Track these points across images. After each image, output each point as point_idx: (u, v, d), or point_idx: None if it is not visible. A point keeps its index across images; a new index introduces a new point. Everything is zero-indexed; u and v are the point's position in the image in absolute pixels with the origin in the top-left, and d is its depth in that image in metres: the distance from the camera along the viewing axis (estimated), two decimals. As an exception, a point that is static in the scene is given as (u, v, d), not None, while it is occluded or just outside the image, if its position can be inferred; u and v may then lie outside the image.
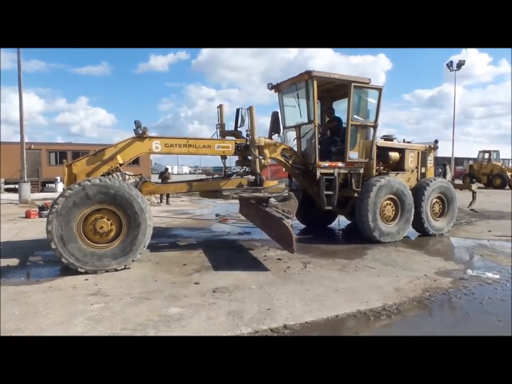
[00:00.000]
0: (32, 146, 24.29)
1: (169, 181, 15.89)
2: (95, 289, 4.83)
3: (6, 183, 23.84)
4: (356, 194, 8.16)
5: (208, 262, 6.30)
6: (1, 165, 22.24)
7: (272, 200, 7.13)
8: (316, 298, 4.47)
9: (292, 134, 8.76)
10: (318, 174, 7.80)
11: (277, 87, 8.66)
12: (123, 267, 5.69)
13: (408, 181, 8.92)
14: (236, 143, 7.40)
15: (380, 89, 8.19)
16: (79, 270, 5.41)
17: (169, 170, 20.25)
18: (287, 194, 7.15)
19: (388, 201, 8.00)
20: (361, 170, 8.32)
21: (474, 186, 10.74)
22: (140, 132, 6.40)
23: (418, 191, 8.56)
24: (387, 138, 9.33)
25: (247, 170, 7.75)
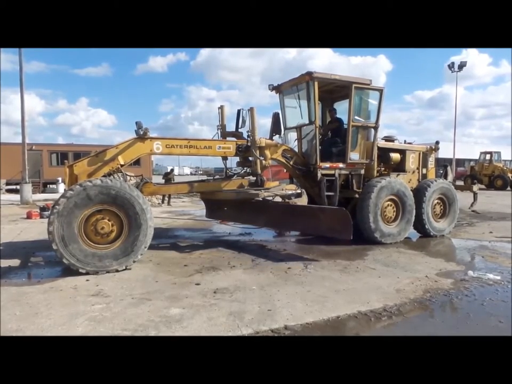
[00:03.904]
0: (34, 147, 24.34)
1: (172, 181, 15.90)
2: (96, 290, 4.84)
3: (7, 184, 23.89)
4: (356, 195, 8.15)
5: (209, 262, 6.30)
6: (3, 166, 22.28)
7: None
8: (316, 299, 4.47)
9: (292, 135, 8.76)
10: (319, 175, 7.80)
11: (277, 88, 8.66)
12: (124, 268, 5.69)
13: (409, 182, 8.91)
14: (236, 144, 7.42)
15: (380, 90, 8.18)
16: (80, 270, 5.41)
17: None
18: (300, 191, 7.71)
19: (389, 202, 7.99)
20: (362, 171, 8.32)
21: (475, 188, 10.71)
22: (141, 132, 6.41)
23: (419, 192, 8.55)
24: (388, 139, 9.32)
25: (248, 171, 7.77)
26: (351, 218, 6.37)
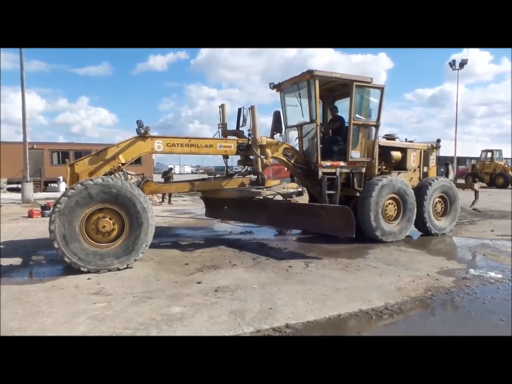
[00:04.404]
0: (35, 146, 24.34)
1: (171, 180, 15.91)
2: (97, 288, 4.85)
3: (8, 182, 23.92)
4: (357, 194, 8.15)
5: (210, 261, 6.30)
6: (4, 165, 22.31)
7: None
8: (317, 298, 4.47)
9: (293, 134, 8.76)
10: (320, 174, 7.80)
11: (278, 87, 8.66)
12: (125, 266, 5.70)
13: (410, 180, 8.90)
14: (237, 142, 7.41)
15: (381, 89, 8.17)
16: (82, 269, 5.42)
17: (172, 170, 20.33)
18: (301, 189, 7.86)
19: (390, 201, 7.98)
20: (363, 170, 8.31)
21: (476, 186, 10.71)
22: (142, 131, 6.41)
23: (420, 191, 8.55)
24: (389, 137, 9.32)
25: (249, 169, 7.77)
26: None
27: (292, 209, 7.76)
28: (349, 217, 6.42)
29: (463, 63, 37.34)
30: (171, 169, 19.11)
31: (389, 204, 7.97)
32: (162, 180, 15.81)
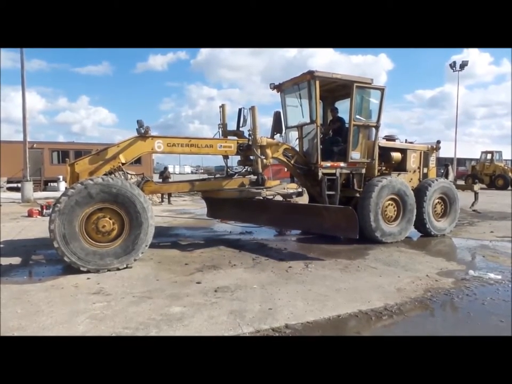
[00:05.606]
0: (35, 145, 24.34)
1: (169, 180, 15.92)
2: (97, 288, 4.85)
3: (8, 181, 23.92)
4: (357, 195, 8.16)
5: (209, 261, 6.30)
6: (4, 164, 22.32)
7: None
8: (317, 298, 4.47)
9: (294, 134, 8.77)
10: (320, 174, 7.80)
11: (279, 87, 8.66)
12: (125, 266, 5.70)
13: (410, 181, 8.91)
14: (238, 142, 7.42)
15: (382, 90, 8.18)
16: (81, 269, 5.42)
17: (171, 170, 20.40)
18: (301, 190, 7.90)
19: (389, 202, 7.98)
20: (363, 171, 8.32)
21: (476, 187, 10.72)
22: (143, 131, 6.41)
23: (420, 192, 8.55)
24: (389, 138, 9.32)
25: (249, 170, 7.78)
26: None
27: (293, 209, 7.77)
28: (352, 218, 6.41)
29: (463, 65, 37.25)
30: (166, 168, 19.17)
31: (389, 204, 7.97)
32: (160, 180, 15.84)
